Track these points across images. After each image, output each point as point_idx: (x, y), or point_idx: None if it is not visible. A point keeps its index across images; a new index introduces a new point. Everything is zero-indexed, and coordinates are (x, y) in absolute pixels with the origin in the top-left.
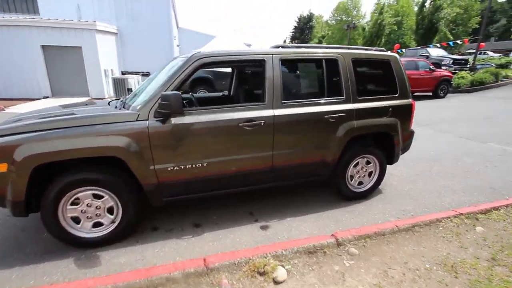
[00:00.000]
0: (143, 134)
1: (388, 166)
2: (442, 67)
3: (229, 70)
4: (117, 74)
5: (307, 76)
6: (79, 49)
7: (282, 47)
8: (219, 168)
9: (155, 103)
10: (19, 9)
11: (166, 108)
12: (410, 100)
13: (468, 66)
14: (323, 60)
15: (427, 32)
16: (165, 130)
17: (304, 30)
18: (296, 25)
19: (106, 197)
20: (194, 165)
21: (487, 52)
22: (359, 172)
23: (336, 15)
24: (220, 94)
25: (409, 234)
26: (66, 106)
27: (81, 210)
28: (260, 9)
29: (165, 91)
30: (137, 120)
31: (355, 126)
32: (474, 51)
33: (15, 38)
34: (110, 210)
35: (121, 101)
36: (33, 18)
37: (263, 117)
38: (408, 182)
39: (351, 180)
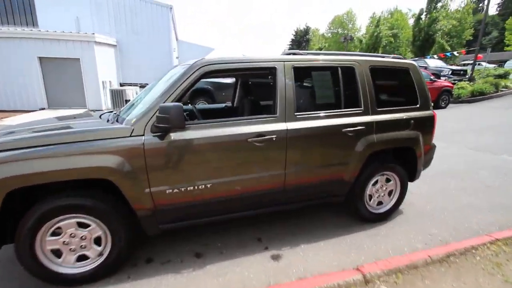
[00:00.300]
0: (137, 152)
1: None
2: (442, 78)
3: (229, 81)
4: (116, 86)
5: (322, 85)
6: (77, 60)
7: (294, 53)
8: (225, 190)
9: (152, 116)
10: (17, 21)
11: (165, 122)
12: (431, 112)
13: (467, 76)
14: (339, 68)
15: (424, 43)
16: (163, 147)
17: (301, 43)
18: (293, 38)
19: (93, 225)
20: (196, 187)
21: (481, 63)
22: (379, 191)
23: (332, 28)
24: (223, 105)
25: (444, 266)
26: (62, 118)
27: (63, 242)
28: (261, 10)
29: (164, 103)
30: (130, 136)
31: (375, 140)
32: (469, 62)
33: (11, 50)
34: (98, 241)
35: (115, 113)
36: (31, 30)
37: (275, 131)
38: (428, 200)
39: (370, 200)
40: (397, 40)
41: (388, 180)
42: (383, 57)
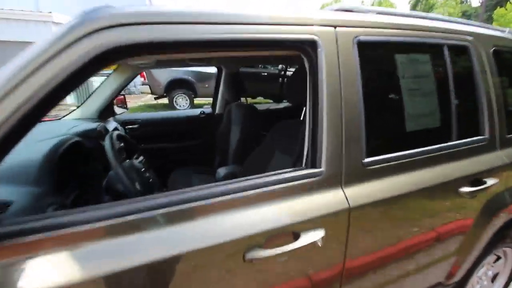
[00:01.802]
0: None
1: None
2: None
3: (215, 70)
4: None
5: (413, 86)
6: (30, 45)
7: (350, 11)
8: None
9: None
10: None
11: None
12: None
13: None
14: (445, 49)
15: None
16: None
17: None
18: None
19: None
20: None
21: None
22: (482, 279)
23: None
24: (197, 112)
25: None
26: None
27: None
28: (259, 2)
29: None
30: None
31: (508, 202)
32: None
33: None
34: None
35: None
36: None
37: (320, 218)
38: None
39: None
40: None
41: (497, 259)
42: (497, 30)
